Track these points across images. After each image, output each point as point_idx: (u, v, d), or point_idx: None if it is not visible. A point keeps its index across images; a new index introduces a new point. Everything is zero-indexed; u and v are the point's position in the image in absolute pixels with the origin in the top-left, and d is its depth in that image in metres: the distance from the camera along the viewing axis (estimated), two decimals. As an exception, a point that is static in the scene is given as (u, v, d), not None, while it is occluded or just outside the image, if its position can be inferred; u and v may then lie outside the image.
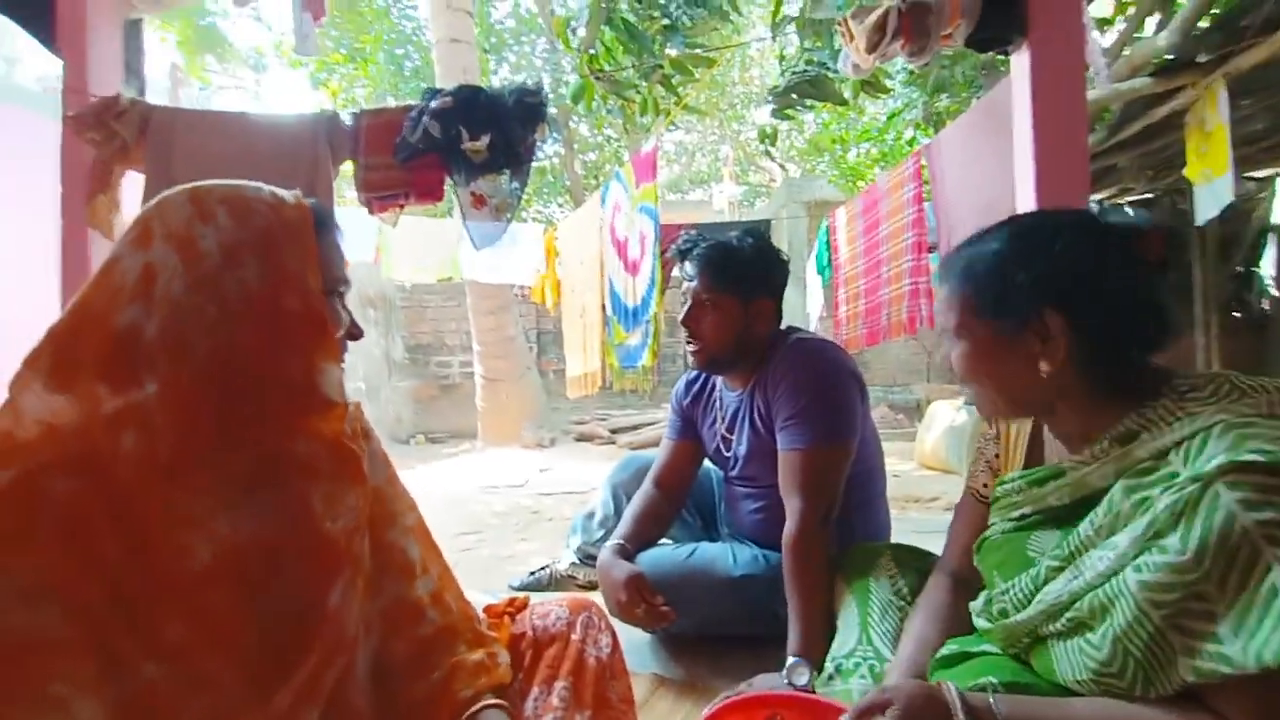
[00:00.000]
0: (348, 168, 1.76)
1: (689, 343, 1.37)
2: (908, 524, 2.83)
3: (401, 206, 1.65)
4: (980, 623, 0.78)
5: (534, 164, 1.73)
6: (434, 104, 1.49)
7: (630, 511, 1.48)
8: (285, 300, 0.62)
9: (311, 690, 0.63)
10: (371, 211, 1.63)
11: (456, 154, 1.51)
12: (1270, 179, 4.49)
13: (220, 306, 0.60)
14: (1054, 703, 0.65)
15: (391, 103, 7.79)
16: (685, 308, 1.37)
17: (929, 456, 4.34)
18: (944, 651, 0.82)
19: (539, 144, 1.63)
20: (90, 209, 1.74)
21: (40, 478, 0.54)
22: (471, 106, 1.47)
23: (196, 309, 0.60)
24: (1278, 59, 2.68)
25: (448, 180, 1.64)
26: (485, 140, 1.49)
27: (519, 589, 1.96)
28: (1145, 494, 0.61)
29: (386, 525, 0.77)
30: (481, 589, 1.92)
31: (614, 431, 6.29)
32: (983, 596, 0.79)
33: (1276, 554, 0.52)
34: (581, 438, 6.36)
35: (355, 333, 0.72)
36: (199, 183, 0.66)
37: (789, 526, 1.20)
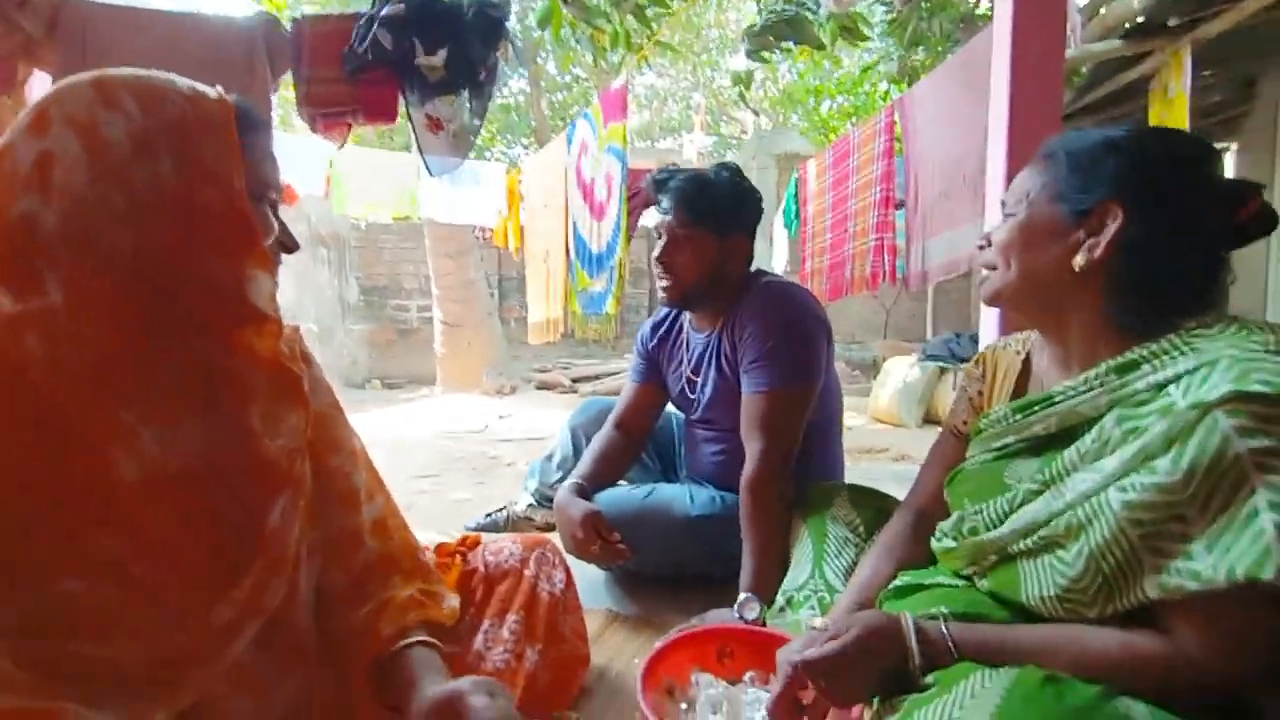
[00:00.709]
0: (289, 84, 1.61)
1: (662, 278, 1.34)
2: (858, 473, 2.91)
3: (349, 126, 1.53)
4: (946, 543, 0.79)
5: (497, 97, 1.62)
6: (385, 11, 1.36)
7: (590, 452, 1.46)
8: (203, 196, 0.58)
9: (252, 605, 0.62)
10: (315, 129, 1.50)
11: (410, 69, 1.39)
12: (1221, 152, 4.63)
13: (129, 198, 0.56)
14: (1002, 628, 0.68)
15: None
16: (661, 243, 1.33)
17: (882, 411, 4.48)
18: (896, 583, 0.83)
19: (501, 67, 1.52)
20: (-8, 112, 1.56)
21: None
22: (427, 16, 1.35)
23: (101, 199, 0.56)
24: (1243, 27, 2.72)
25: (401, 100, 1.51)
26: (442, 55, 1.37)
27: (475, 530, 1.95)
28: (1138, 423, 0.62)
29: (330, 451, 0.76)
30: (437, 531, 1.91)
31: (576, 380, 6.26)
32: (953, 517, 0.79)
33: (1264, 479, 0.53)
34: (543, 385, 6.32)
35: (289, 243, 0.68)
36: (103, 70, 0.60)
37: (748, 467, 1.21)
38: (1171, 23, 2.78)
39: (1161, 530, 0.58)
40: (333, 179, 3.87)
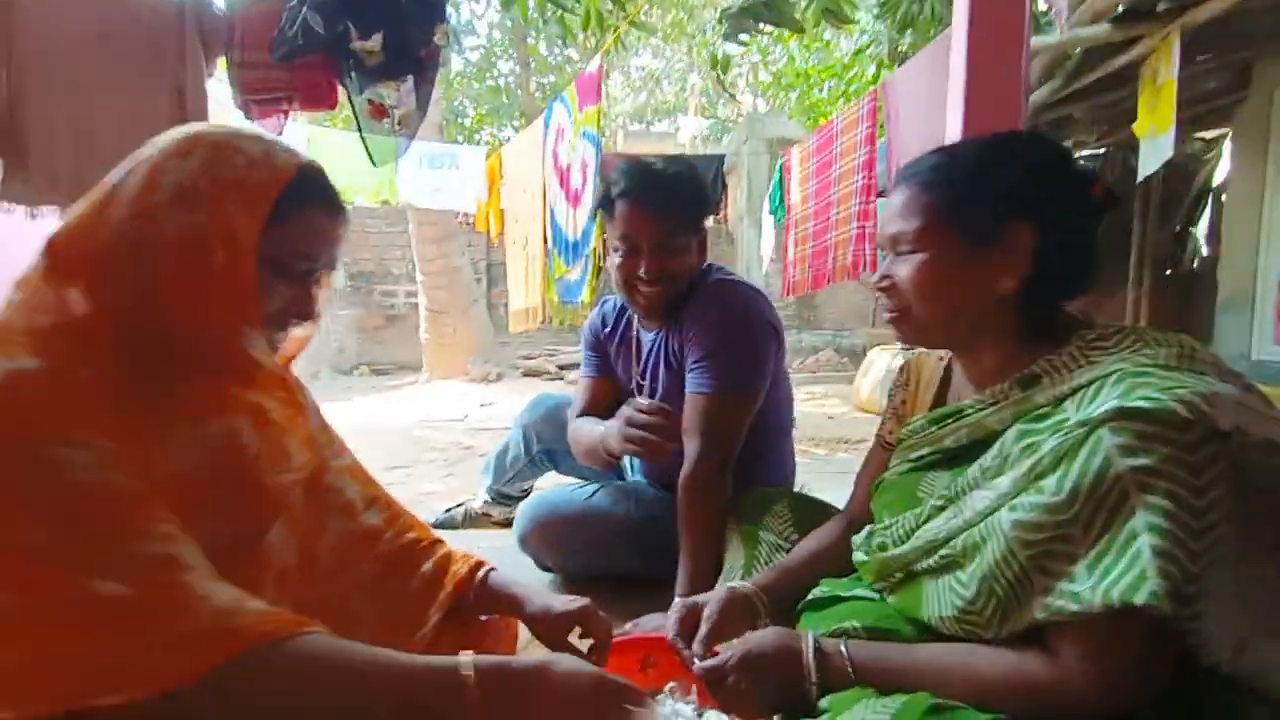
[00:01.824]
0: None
1: (651, 285, 1.21)
2: (836, 465, 2.90)
3: (286, 113, 1.48)
4: (858, 555, 0.79)
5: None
6: (316, -8, 1.30)
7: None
8: (215, 256, 0.61)
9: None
10: (250, 116, 1.44)
11: (345, 54, 1.33)
12: (1218, 140, 4.55)
13: (154, 241, 0.59)
14: (901, 648, 0.67)
15: None
16: (653, 249, 1.19)
17: (866, 401, 4.46)
18: (816, 594, 0.83)
19: (444, 49, 1.46)
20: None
21: (65, 365, 0.55)
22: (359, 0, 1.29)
23: (129, 235, 0.59)
24: (1236, 12, 2.64)
25: (341, 86, 1.46)
26: (377, 40, 1.31)
27: (433, 525, 1.93)
28: (1035, 439, 0.61)
29: (322, 471, 0.80)
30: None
31: (562, 368, 6.24)
32: (865, 530, 0.80)
33: (1144, 499, 0.52)
34: (529, 373, 6.29)
35: (304, 314, 0.70)
36: (213, 124, 0.67)
37: (685, 468, 1.18)
38: (1161, 8, 2.70)
39: (1049, 551, 0.57)
40: (309, 163, 3.79)
